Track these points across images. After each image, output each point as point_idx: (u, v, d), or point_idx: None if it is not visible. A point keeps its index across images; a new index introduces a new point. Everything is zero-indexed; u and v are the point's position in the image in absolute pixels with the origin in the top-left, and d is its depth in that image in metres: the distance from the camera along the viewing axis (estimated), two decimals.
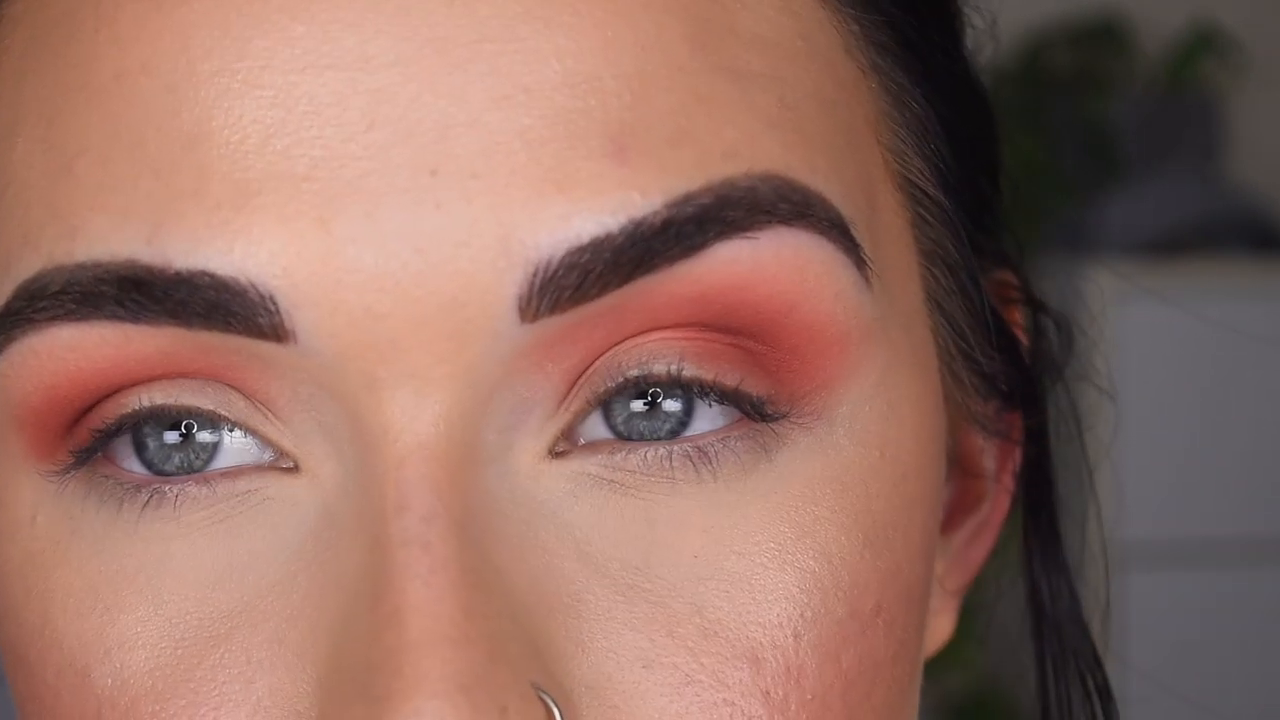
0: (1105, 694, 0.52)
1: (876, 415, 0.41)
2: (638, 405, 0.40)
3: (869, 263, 0.41)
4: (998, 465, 0.50)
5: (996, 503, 0.51)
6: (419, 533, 0.37)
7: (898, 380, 0.42)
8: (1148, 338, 1.65)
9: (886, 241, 0.42)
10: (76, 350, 0.39)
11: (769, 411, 0.40)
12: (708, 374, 0.39)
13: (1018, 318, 0.51)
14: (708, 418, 0.40)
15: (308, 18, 0.38)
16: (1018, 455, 0.50)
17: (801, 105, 0.40)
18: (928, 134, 0.44)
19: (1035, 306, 0.52)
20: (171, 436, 0.40)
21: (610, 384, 0.39)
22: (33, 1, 0.42)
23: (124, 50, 0.39)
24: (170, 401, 0.40)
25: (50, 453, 0.41)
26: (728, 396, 0.39)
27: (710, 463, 0.40)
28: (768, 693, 0.39)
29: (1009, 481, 0.50)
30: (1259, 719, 1.81)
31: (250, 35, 0.38)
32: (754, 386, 0.40)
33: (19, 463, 0.41)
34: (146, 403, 0.40)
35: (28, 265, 0.40)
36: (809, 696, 0.39)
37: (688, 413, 0.40)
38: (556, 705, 0.37)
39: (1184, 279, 1.84)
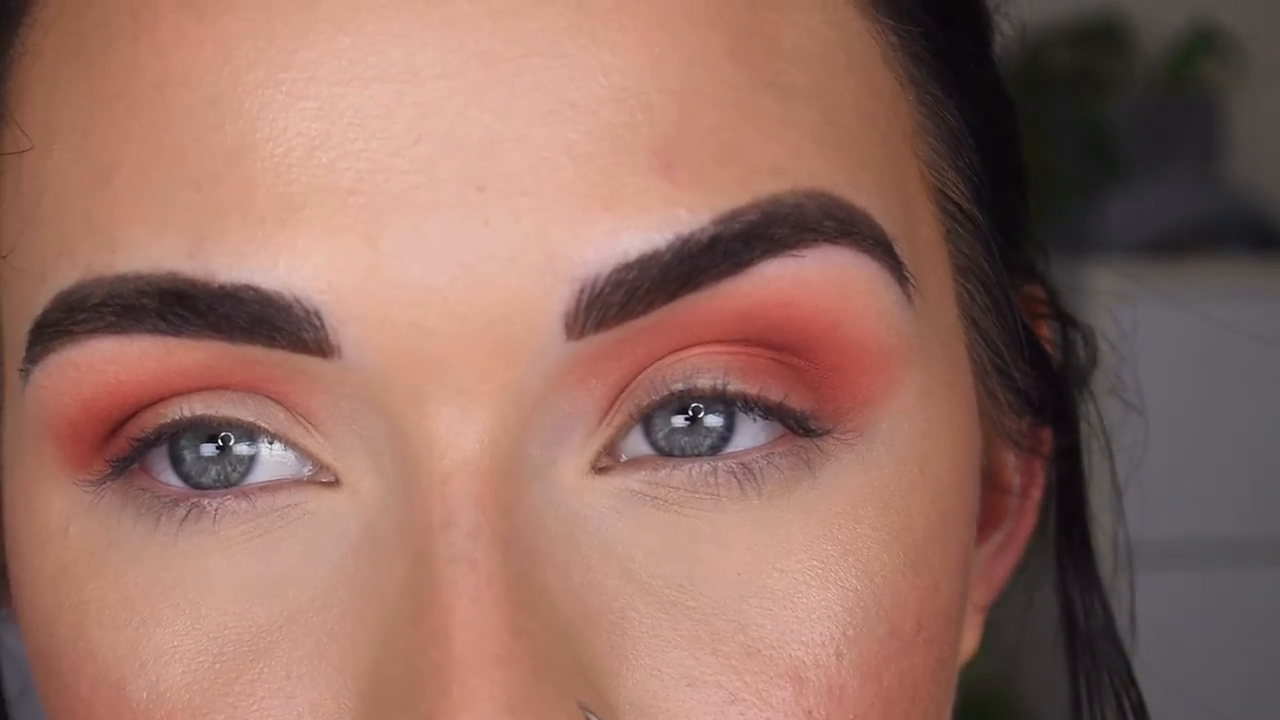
0: (1140, 712, 0.51)
1: (916, 432, 0.41)
2: (679, 420, 0.39)
3: (911, 279, 0.40)
4: (1025, 480, 0.50)
5: (1023, 518, 0.50)
6: (465, 549, 0.37)
7: (936, 397, 0.42)
8: (1147, 337, 1.64)
9: (925, 257, 0.42)
10: (117, 363, 0.39)
11: (813, 426, 0.39)
12: (752, 388, 0.39)
13: (1045, 332, 0.51)
14: (749, 433, 0.40)
15: (354, 29, 0.38)
16: (1045, 471, 0.50)
17: (844, 119, 0.40)
18: (961, 147, 0.44)
19: (1064, 320, 0.52)
20: (208, 449, 0.40)
21: (653, 398, 0.39)
22: (65, 7, 0.41)
23: (165, 60, 0.39)
24: (209, 412, 0.39)
25: (86, 463, 0.40)
26: (772, 411, 0.39)
27: (755, 479, 0.39)
28: (810, 712, 0.39)
29: (1036, 496, 0.50)
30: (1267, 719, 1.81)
31: (295, 46, 0.38)
32: (797, 402, 0.39)
33: (52, 473, 0.41)
34: (186, 413, 0.39)
35: (65, 276, 0.39)
36: (850, 716, 0.39)
37: (729, 428, 0.40)
38: None
39: (1184, 279, 1.84)
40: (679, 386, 0.39)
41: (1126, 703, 0.51)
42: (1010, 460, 0.49)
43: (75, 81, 0.40)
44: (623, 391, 0.39)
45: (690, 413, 0.39)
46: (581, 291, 0.37)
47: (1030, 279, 0.50)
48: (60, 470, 0.41)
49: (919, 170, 0.43)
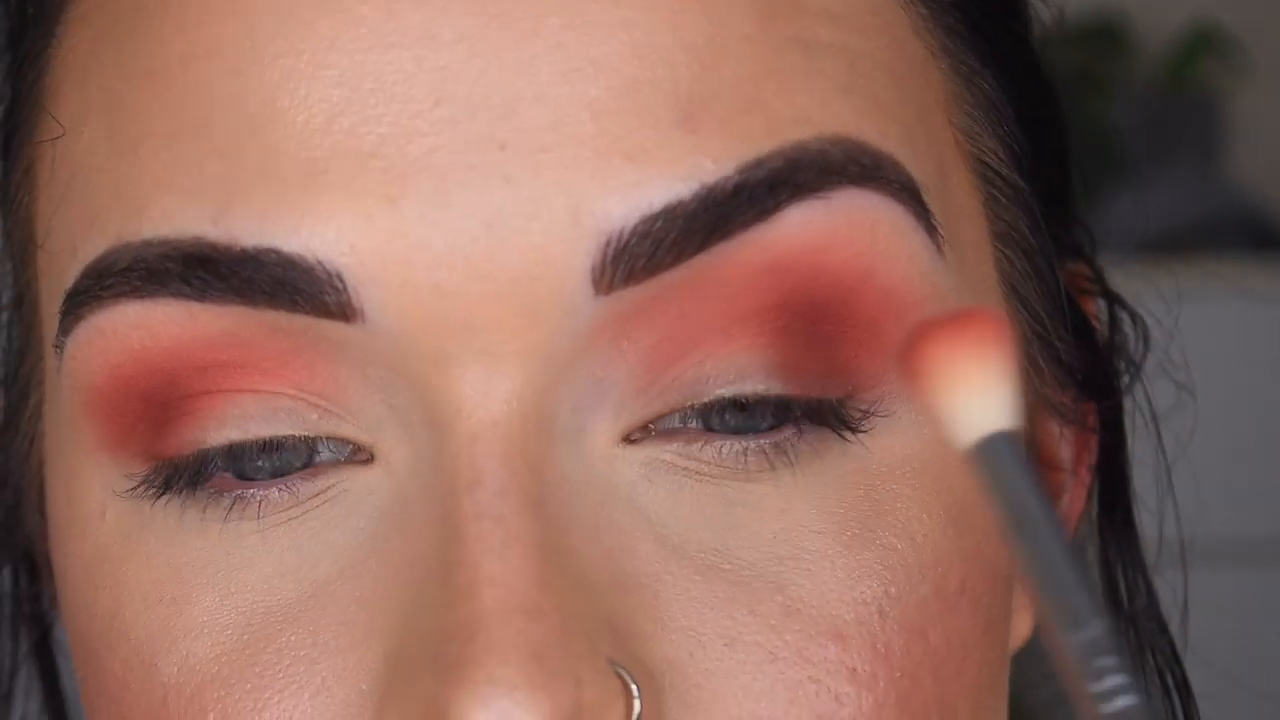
0: (1184, 690, 0.51)
1: None
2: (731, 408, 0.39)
3: (939, 229, 0.40)
4: (1074, 457, 0.49)
5: (1074, 495, 0.50)
6: (491, 506, 0.37)
7: None
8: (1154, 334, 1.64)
9: (959, 218, 0.42)
10: (141, 328, 0.39)
11: (849, 416, 0.39)
12: (795, 389, 0.39)
13: (1093, 310, 0.50)
14: (796, 415, 0.39)
15: None
16: (1094, 446, 0.49)
17: (871, 74, 0.40)
18: (1000, 115, 0.44)
19: (1111, 299, 0.51)
20: (261, 459, 0.40)
21: (702, 400, 0.39)
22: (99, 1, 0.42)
23: (189, 35, 0.39)
24: (244, 437, 0.40)
25: (122, 442, 0.40)
26: (812, 413, 0.39)
27: (786, 455, 0.39)
28: (855, 670, 0.38)
29: (1085, 475, 0.50)
30: None
31: (315, 17, 0.38)
32: (835, 387, 0.39)
33: (90, 454, 0.41)
34: (221, 440, 0.39)
35: (94, 246, 0.40)
36: (898, 674, 0.38)
37: (777, 419, 0.39)
38: (635, 682, 0.37)
39: (1184, 279, 1.83)
40: (727, 393, 0.39)
41: (1170, 680, 0.51)
42: (1056, 432, 0.48)
43: (105, 65, 0.41)
44: (658, 364, 0.39)
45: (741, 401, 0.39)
46: (607, 244, 0.37)
47: (1076, 256, 0.50)
48: (98, 451, 0.41)
49: (954, 138, 0.43)
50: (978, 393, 0.36)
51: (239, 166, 0.38)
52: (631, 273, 0.37)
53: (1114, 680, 0.32)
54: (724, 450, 0.39)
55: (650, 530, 0.38)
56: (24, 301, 0.46)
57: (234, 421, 0.40)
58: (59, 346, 0.41)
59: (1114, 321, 0.51)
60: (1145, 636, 0.51)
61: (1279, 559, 1.85)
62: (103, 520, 0.41)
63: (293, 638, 0.39)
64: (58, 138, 0.42)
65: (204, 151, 0.38)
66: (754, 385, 0.39)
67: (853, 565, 0.39)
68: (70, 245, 0.41)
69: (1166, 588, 0.53)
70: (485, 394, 0.37)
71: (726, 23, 0.38)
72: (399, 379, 0.38)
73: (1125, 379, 0.52)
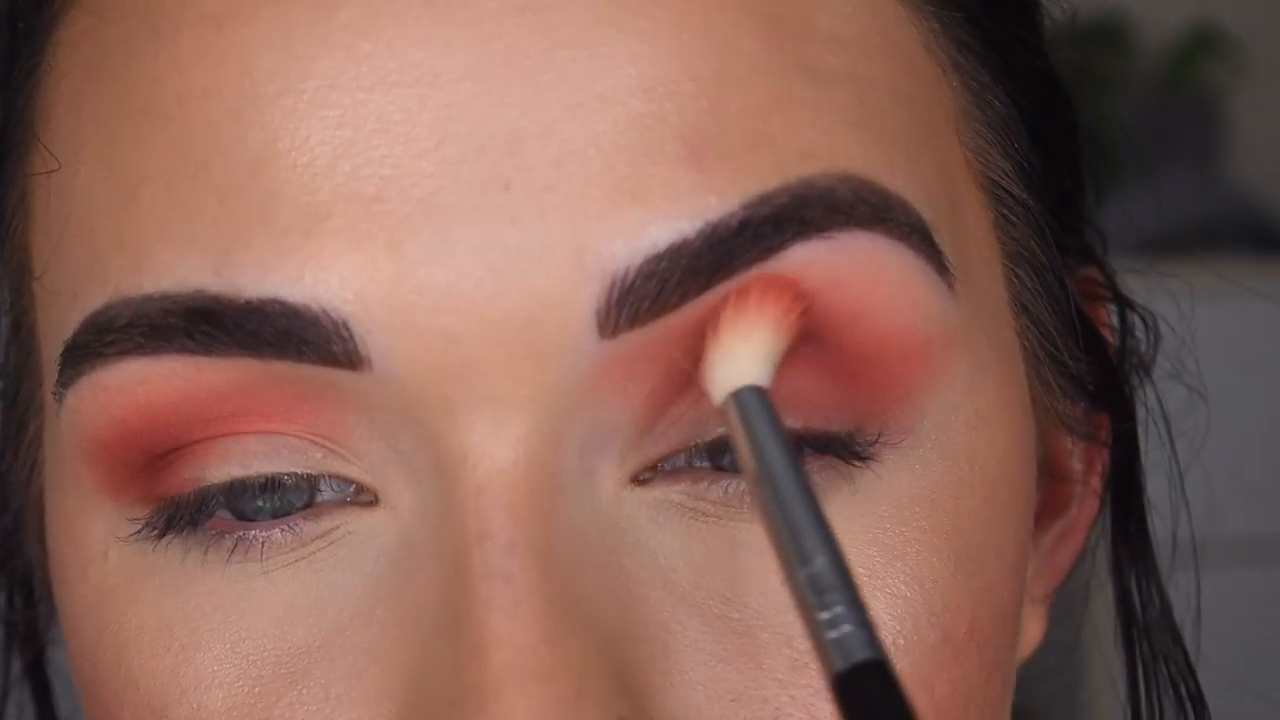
0: (1198, 702, 0.51)
1: (964, 426, 0.40)
2: None
3: (950, 268, 0.39)
4: (1085, 468, 0.49)
5: (1084, 505, 0.49)
6: (500, 563, 0.36)
7: (985, 388, 0.40)
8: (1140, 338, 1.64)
9: (969, 244, 0.41)
10: (146, 384, 0.38)
11: (857, 448, 0.38)
12: (798, 422, 0.38)
13: (1104, 315, 0.50)
14: (804, 449, 0.38)
15: (374, 35, 0.37)
16: (1105, 457, 0.49)
17: (880, 104, 0.39)
18: (1011, 132, 0.43)
19: (1122, 303, 0.51)
20: (262, 499, 0.39)
21: (705, 439, 0.38)
22: (90, 24, 0.41)
23: (185, 74, 0.38)
24: (246, 473, 0.39)
25: (123, 488, 0.40)
26: (818, 445, 0.38)
27: None
28: None
29: (1097, 484, 0.49)
30: None
31: (315, 55, 0.37)
32: (841, 422, 0.39)
33: (91, 497, 0.40)
34: (222, 477, 0.39)
35: (94, 297, 0.39)
36: None
37: None
38: None
39: (1184, 279, 1.83)
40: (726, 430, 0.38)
41: (1184, 691, 0.50)
42: (1069, 447, 0.48)
43: (100, 98, 0.40)
44: (663, 405, 0.38)
45: None
46: (612, 286, 0.36)
47: (1088, 262, 0.50)
48: (99, 494, 0.40)
49: (964, 157, 0.42)
50: (733, 352, 0.36)
51: (239, 212, 0.37)
52: (637, 314, 0.37)
53: (836, 610, 0.33)
54: (729, 490, 0.38)
55: (659, 576, 0.38)
56: (21, 328, 0.45)
57: (236, 458, 0.39)
58: (58, 395, 0.40)
59: (1125, 326, 0.51)
60: (1159, 647, 0.51)
61: (1278, 559, 1.85)
62: (105, 562, 0.40)
63: (305, 691, 0.38)
64: (53, 171, 0.41)
65: (203, 197, 0.38)
66: None
67: None
68: (69, 290, 0.40)
69: (1168, 589, 0.53)
70: (492, 442, 0.37)
71: (735, 52, 0.38)
72: (405, 425, 0.38)
73: (1137, 383, 0.51)
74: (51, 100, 0.42)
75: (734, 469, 0.38)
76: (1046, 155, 0.45)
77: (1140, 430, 0.50)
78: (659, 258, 0.37)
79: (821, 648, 0.34)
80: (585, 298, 0.36)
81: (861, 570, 0.38)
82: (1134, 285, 0.54)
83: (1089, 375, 0.46)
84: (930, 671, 0.38)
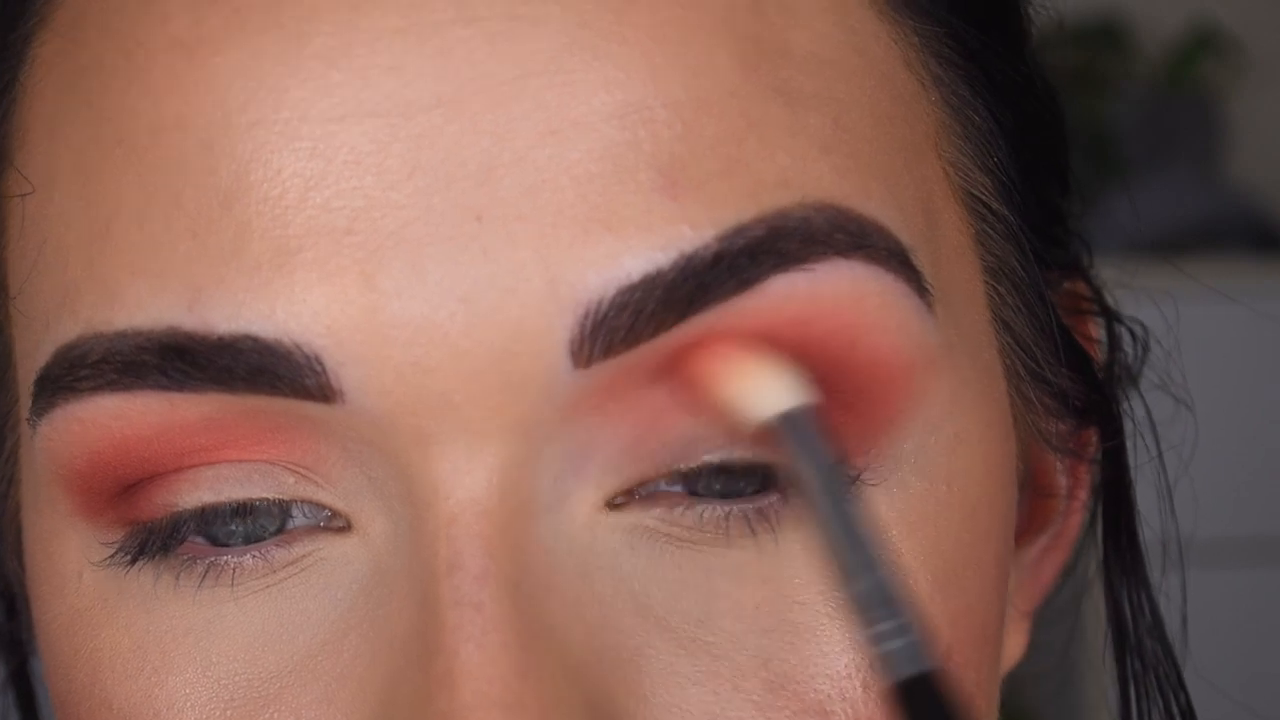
0: (1189, 716, 0.50)
1: (943, 448, 0.40)
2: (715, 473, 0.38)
3: (930, 290, 0.39)
4: (1071, 482, 0.48)
5: (1069, 519, 0.49)
6: (470, 592, 0.36)
7: (964, 408, 0.40)
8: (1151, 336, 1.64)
9: (949, 262, 0.41)
10: (121, 419, 0.38)
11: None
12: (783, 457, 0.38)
13: (1092, 329, 0.49)
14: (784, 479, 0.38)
15: (345, 65, 0.37)
16: (1092, 472, 0.49)
17: (856, 125, 0.39)
18: (991, 147, 0.43)
19: (1109, 316, 0.50)
20: (234, 524, 0.39)
21: (689, 465, 0.38)
22: (62, 45, 0.41)
23: (158, 104, 0.38)
24: (218, 499, 0.39)
25: (98, 512, 0.40)
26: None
27: (768, 520, 0.38)
28: None
29: (1083, 498, 0.49)
30: None
31: (287, 85, 0.37)
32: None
33: (65, 519, 0.40)
34: (194, 503, 0.39)
35: (66, 329, 0.39)
36: None
37: (762, 486, 0.38)
38: None
39: (1184, 279, 1.83)
40: (715, 459, 0.38)
41: (1175, 706, 0.50)
42: (1053, 464, 0.48)
43: (74, 125, 0.40)
44: (651, 426, 0.38)
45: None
46: (585, 317, 0.36)
47: (1073, 275, 0.49)
48: (73, 516, 0.40)
49: (944, 172, 0.42)
50: (767, 379, 0.36)
51: (211, 246, 0.37)
52: (610, 345, 0.36)
53: (886, 625, 0.34)
54: (705, 515, 0.38)
55: (633, 601, 0.38)
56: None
57: (208, 483, 0.39)
58: (32, 423, 0.40)
59: (1112, 339, 0.51)
60: (1150, 661, 0.51)
61: (1278, 559, 1.85)
62: (79, 582, 0.41)
63: (275, 715, 0.38)
64: (27, 194, 0.41)
65: (176, 231, 0.37)
66: (742, 452, 0.38)
67: (836, 637, 0.38)
68: (42, 317, 0.40)
69: (1165, 590, 0.53)
70: (465, 472, 0.37)
71: (709, 75, 0.37)
72: (378, 455, 0.37)
73: (1125, 392, 0.51)
74: (26, 121, 0.41)
75: (711, 494, 0.38)
76: (1028, 168, 0.45)
77: (1135, 438, 0.50)
78: (633, 288, 0.36)
79: (876, 662, 0.34)
80: (559, 329, 0.36)
81: (837, 593, 0.38)
82: (1128, 286, 0.54)
83: (1073, 391, 0.46)
84: None
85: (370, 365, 0.36)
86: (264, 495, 0.39)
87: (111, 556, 0.40)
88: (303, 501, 0.39)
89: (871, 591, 0.34)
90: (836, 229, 0.38)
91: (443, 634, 0.36)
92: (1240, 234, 2.01)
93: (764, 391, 0.37)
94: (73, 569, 0.41)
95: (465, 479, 0.37)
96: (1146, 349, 0.51)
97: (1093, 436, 0.48)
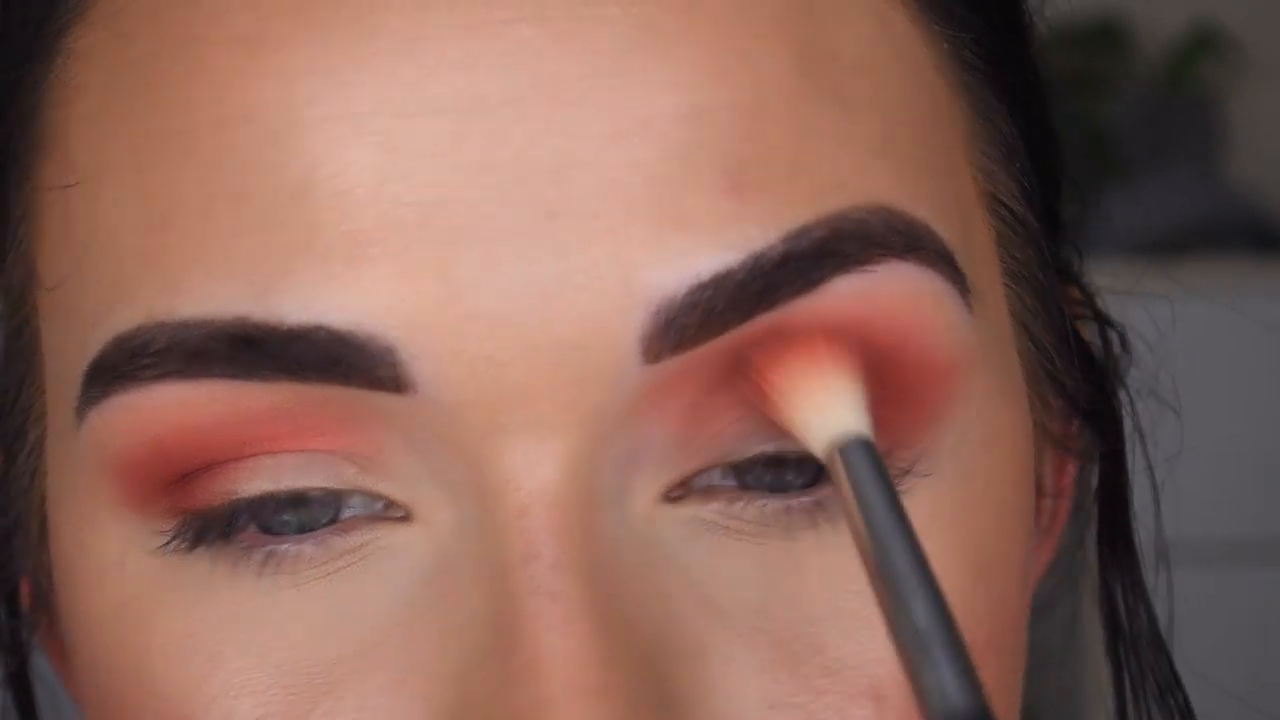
0: (1186, 714, 0.51)
1: (978, 445, 0.40)
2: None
3: (971, 291, 0.40)
4: (1058, 478, 0.49)
5: (1056, 513, 0.50)
6: (547, 581, 0.36)
7: (996, 408, 0.41)
8: (1148, 337, 1.64)
9: (980, 264, 0.42)
10: (185, 407, 0.38)
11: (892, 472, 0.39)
12: None
13: (1084, 334, 0.50)
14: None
15: (415, 60, 0.37)
16: (1083, 470, 0.50)
17: (903, 131, 0.40)
18: (1014, 151, 0.44)
19: (1102, 321, 0.51)
20: (288, 513, 0.39)
21: (742, 456, 0.39)
22: (105, 39, 0.40)
23: (221, 98, 0.38)
24: (277, 487, 0.39)
25: (149, 500, 0.39)
26: None
27: (827, 511, 0.39)
28: None
29: (1069, 493, 0.50)
30: None
31: (356, 79, 0.37)
32: (877, 445, 0.38)
33: (109, 507, 0.40)
34: (254, 490, 0.39)
35: (123, 318, 0.39)
36: None
37: (813, 480, 0.39)
38: None
39: (1184, 279, 1.84)
40: (769, 449, 0.39)
41: (1172, 704, 0.51)
42: (1055, 463, 0.49)
43: (126, 118, 0.39)
44: (699, 420, 0.38)
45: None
46: (658, 313, 0.37)
47: (1067, 280, 0.50)
48: (119, 506, 0.40)
49: (973, 177, 0.42)
50: (832, 400, 0.37)
51: (281, 239, 0.37)
52: (681, 342, 0.37)
53: (945, 666, 0.33)
54: (766, 509, 0.39)
55: (693, 591, 0.38)
56: (22, 335, 0.45)
57: (267, 473, 0.39)
58: (80, 412, 0.39)
59: (1107, 343, 0.51)
60: (1146, 661, 0.51)
61: (1277, 560, 1.85)
62: (122, 571, 0.40)
63: (339, 702, 0.38)
64: (70, 186, 0.40)
65: (242, 223, 0.37)
66: (794, 443, 0.38)
67: None
68: (92, 308, 0.39)
69: (1163, 589, 0.53)
70: (535, 463, 0.37)
71: (770, 80, 0.38)
72: (445, 446, 0.38)
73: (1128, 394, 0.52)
74: (67, 115, 0.41)
75: (762, 487, 0.39)
76: (1040, 172, 0.45)
77: (1134, 439, 0.51)
78: (704, 286, 0.37)
79: (921, 701, 0.34)
80: (632, 325, 0.37)
81: None
82: (1127, 286, 0.54)
83: (1082, 394, 0.47)
84: None
85: (444, 358, 0.37)
86: (323, 485, 0.39)
87: (166, 544, 0.39)
88: (361, 492, 0.39)
89: (931, 630, 0.34)
90: (892, 231, 0.38)
91: (522, 623, 0.36)
92: (1240, 234, 2.01)
93: (829, 415, 0.37)
94: (114, 558, 0.40)
95: (536, 470, 0.37)
96: (1131, 356, 0.52)
97: (1077, 429, 0.49)
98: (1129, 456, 0.51)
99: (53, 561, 0.43)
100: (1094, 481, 0.51)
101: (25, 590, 0.48)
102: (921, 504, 0.39)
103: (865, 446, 0.36)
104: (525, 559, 0.36)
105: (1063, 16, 0.48)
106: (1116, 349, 0.52)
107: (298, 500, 0.39)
